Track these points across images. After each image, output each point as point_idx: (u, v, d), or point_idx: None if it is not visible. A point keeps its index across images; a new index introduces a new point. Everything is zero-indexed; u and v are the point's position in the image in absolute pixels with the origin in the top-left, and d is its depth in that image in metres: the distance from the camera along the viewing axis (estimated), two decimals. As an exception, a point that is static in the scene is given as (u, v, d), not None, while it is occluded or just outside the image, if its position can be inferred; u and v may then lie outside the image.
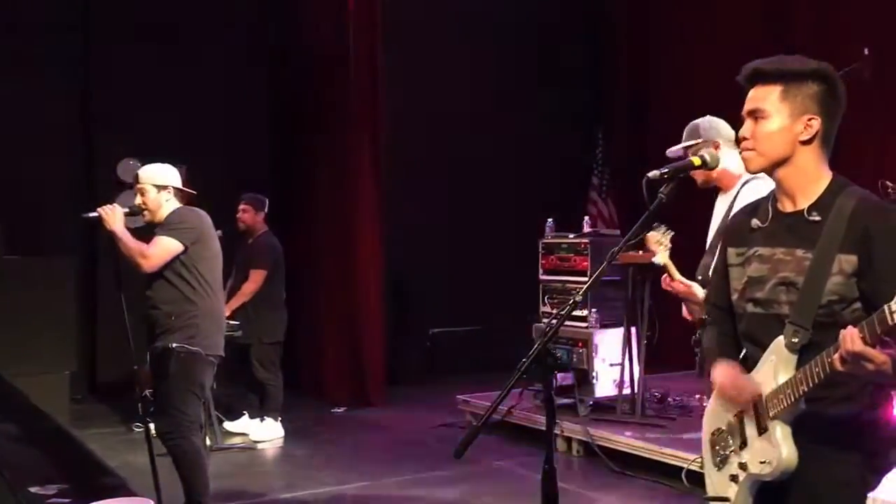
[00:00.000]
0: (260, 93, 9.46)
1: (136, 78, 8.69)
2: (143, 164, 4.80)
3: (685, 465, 5.27)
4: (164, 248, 4.43)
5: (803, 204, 2.39)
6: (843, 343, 2.10)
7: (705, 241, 3.98)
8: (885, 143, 7.29)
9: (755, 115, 2.40)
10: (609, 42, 10.58)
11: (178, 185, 4.68)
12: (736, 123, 2.61)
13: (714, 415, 2.60)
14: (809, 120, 2.36)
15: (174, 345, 4.40)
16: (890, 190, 5.60)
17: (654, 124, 9.55)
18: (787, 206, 2.44)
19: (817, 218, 2.34)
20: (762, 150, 2.40)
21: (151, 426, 4.62)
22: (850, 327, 2.10)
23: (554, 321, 2.58)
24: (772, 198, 2.49)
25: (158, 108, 8.62)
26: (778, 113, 2.37)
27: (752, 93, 2.42)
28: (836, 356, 2.13)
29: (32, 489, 4.51)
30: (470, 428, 2.36)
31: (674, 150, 4.09)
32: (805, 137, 2.36)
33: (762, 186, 3.71)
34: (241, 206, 7.13)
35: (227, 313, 6.69)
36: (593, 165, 10.07)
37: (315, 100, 8.88)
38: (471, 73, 10.03)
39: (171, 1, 8.87)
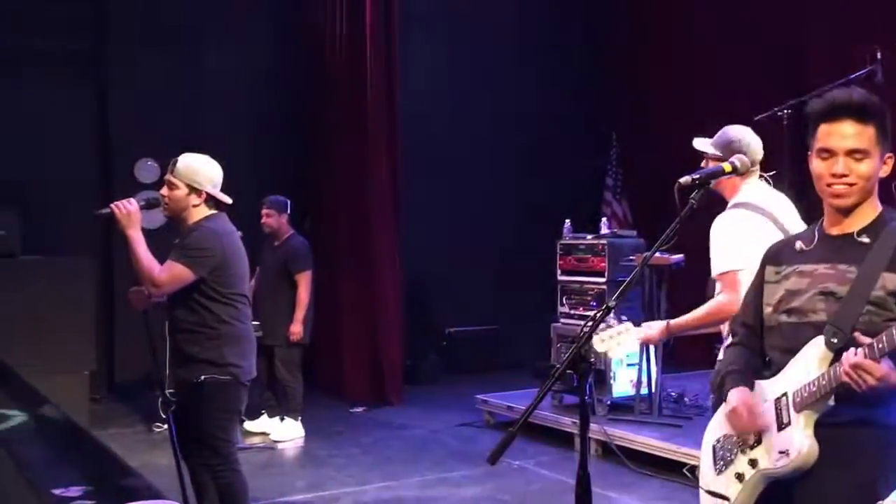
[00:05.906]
0: (282, 95, 9.48)
1: (156, 77, 8.73)
2: (160, 166, 4.40)
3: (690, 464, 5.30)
4: (177, 277, 4.05)
5: (853, 228, 2.44)
6: (844, 359, 2.19)
7: None
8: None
9: (855, 154, 2.37)
10: (612, 44, 10.52)
11: (216, 192, 4.20)
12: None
13: (720, 423, 2.65)
14: (888, 159, 2.42)
15: (204, 377, 4.07)
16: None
17: (660, 124, 9.48)
18: (834, 231, 2.49)
19: (867, 240, 2.40)
20: (860, 189, 2.40)
21: (172, 426, 4.30)
22: (850, 350, 2.19)
23: (589, 325, 2.59)
24: (819, 224, 2.53)
25: (179, 108, 8.64)
26: (875, 154, 2.38)
27: (843, 128, 2.36)
28: (841, 370, 2.20)
29: (56, 491, 4.50)
30: (506, 433, 2.39)
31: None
32: (884, 175, 2.42)
33: None
34: (265, 211, 7.07)
35: (297, 329, 6.91)
36: (607, 166, 10.08)
37: (334, 104, 8.88)
38: (486, 76, 10.06)
39: (194, 2, 8.89)
